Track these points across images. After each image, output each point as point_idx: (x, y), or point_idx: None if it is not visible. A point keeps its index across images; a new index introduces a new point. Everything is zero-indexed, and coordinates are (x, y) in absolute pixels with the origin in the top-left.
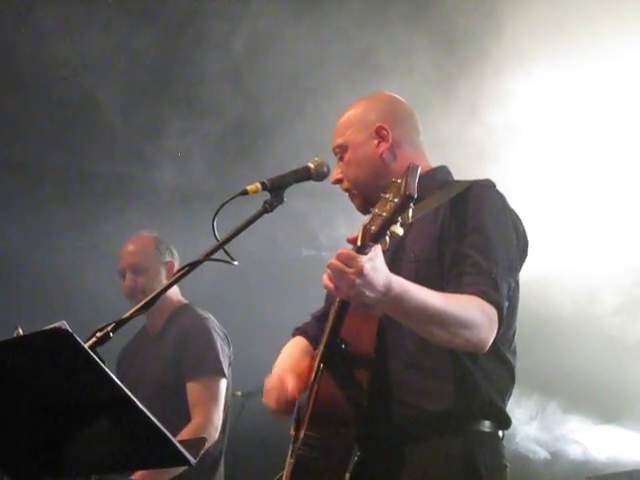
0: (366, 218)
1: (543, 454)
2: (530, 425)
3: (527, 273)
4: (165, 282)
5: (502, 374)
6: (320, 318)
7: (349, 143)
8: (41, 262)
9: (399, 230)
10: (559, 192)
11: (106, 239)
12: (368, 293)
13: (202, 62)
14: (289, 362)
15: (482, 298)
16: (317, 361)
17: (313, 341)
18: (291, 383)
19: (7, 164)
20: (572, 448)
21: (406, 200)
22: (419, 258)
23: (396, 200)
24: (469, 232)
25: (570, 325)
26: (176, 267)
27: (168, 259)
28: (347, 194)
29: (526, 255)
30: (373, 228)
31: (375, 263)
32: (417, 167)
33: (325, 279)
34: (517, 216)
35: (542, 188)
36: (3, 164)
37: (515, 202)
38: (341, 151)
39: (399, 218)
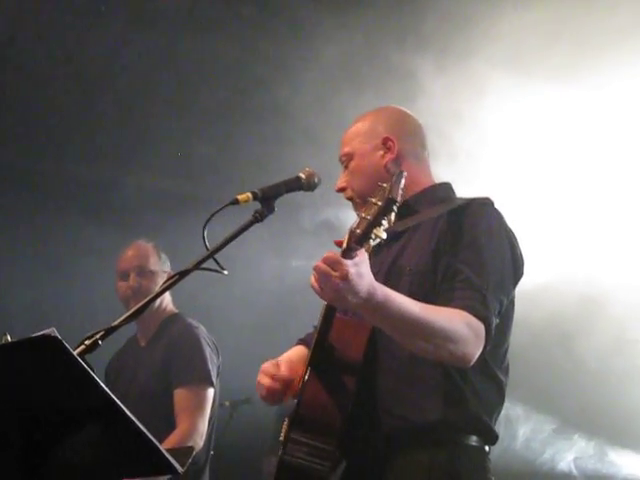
0: (354, 222)
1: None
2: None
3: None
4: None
5: (491, 391)
6: None
7: (355, 152)
8: (30, 270)
9: (382, 234)
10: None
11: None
12: (350, 298)
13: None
14: (286, 357)
15: (469, 312)
16: (306, 365)
17: None
18: (286, 368)
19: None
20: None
21: (389, 203)
22: (414, 271)
23: (380, 203)
24: (463, 248)
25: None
26: None
27: (167, 269)
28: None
29: (522, 274)
30: (358, 231)
31: (360, 269)
32: (403, 173)
33: (312, 280)
34: (514, 235)
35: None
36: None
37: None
38: (347, 159)
39: (383, 221)
